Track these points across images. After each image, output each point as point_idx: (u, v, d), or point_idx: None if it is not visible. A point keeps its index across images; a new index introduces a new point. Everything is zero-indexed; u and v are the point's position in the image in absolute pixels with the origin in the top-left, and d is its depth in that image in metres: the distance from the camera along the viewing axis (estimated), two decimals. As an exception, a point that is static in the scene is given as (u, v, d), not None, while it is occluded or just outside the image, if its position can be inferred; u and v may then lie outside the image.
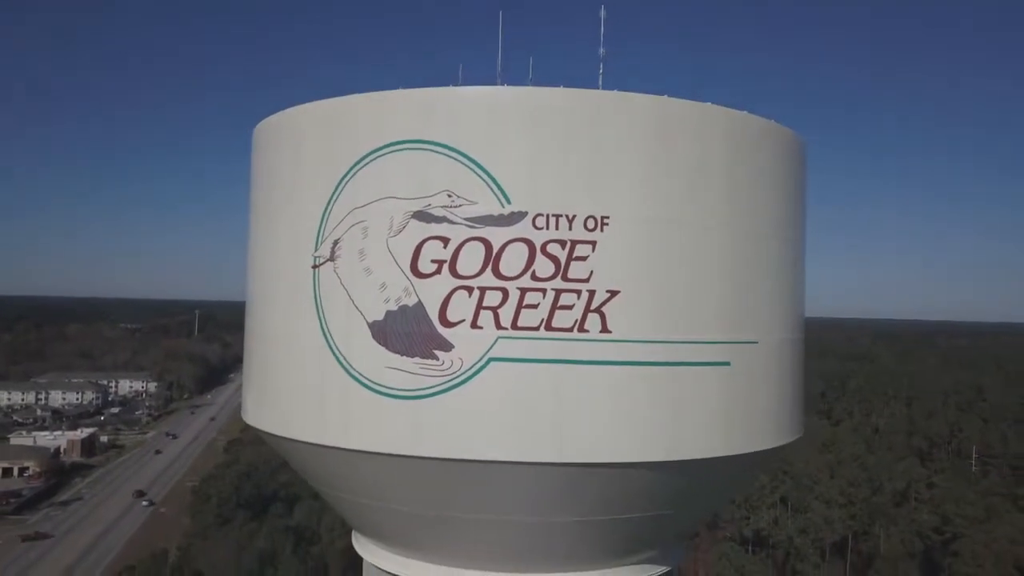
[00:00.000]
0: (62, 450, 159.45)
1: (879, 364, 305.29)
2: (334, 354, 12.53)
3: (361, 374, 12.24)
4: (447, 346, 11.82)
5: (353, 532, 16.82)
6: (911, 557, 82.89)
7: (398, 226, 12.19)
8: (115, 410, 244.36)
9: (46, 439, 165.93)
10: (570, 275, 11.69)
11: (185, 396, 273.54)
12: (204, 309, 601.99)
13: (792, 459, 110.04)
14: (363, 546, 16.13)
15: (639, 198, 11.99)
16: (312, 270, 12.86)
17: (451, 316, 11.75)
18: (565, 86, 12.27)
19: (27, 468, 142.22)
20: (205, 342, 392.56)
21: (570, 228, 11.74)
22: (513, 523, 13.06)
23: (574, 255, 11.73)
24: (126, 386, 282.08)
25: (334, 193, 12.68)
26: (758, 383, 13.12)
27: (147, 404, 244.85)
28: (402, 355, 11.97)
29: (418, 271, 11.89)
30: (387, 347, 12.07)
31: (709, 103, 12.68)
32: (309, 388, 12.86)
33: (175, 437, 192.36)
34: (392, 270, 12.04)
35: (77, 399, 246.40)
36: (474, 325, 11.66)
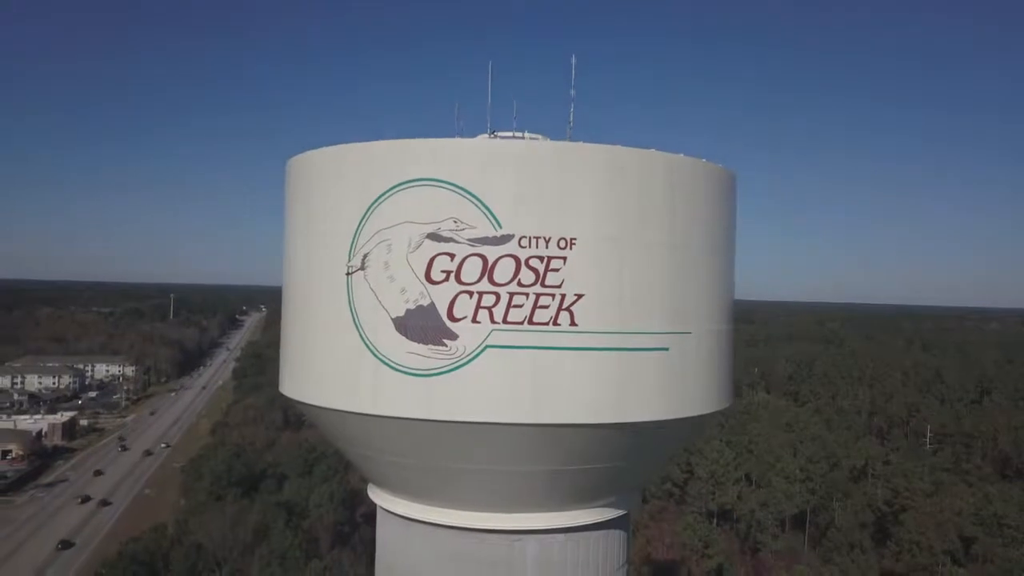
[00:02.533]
0: (43, 433, 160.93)
1: (846, 347, 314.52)
2: (364, 342, 16.21)
3: (387, 357, 15.95)
4: (453, 336, 15.57)
5: (369, 485, 20.56)
6: (863, 527, 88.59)
7: (415, 244, 15.88)
8: (92, 394, 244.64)
9: (27, 423, 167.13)
10: (547, 282, 15.46)
11: (162, 380, 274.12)
12: (177, 292, 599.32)
13: (757, 438, 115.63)
14: (378, 495, 19.90)
15: (598, 223, 15.78)
16: (346, 277, 16.50)
17: (456, 313, 15.48)
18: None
19: (10, 451, 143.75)
20: (181, 326, 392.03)
21: (546, 247, 15.50)
22: (501, 472, 16.93)
23: (549, 267, 15.49)
24: (102, 370, 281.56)
25: (364, 217, 16.32)
26: (690, 364, 17.04)
27: (125, 388, 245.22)
28: (418, 343, 15.70)
29: (430, 279, 15.60)
30: (407, 336, 15.79)
31: (652, 149, 16.52)
32: (344, 368, 16.54)
33: (124, 448, 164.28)
34: (410, 278, 15.73)
35: (53, 383, 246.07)
36: (474, 320, 15.40)
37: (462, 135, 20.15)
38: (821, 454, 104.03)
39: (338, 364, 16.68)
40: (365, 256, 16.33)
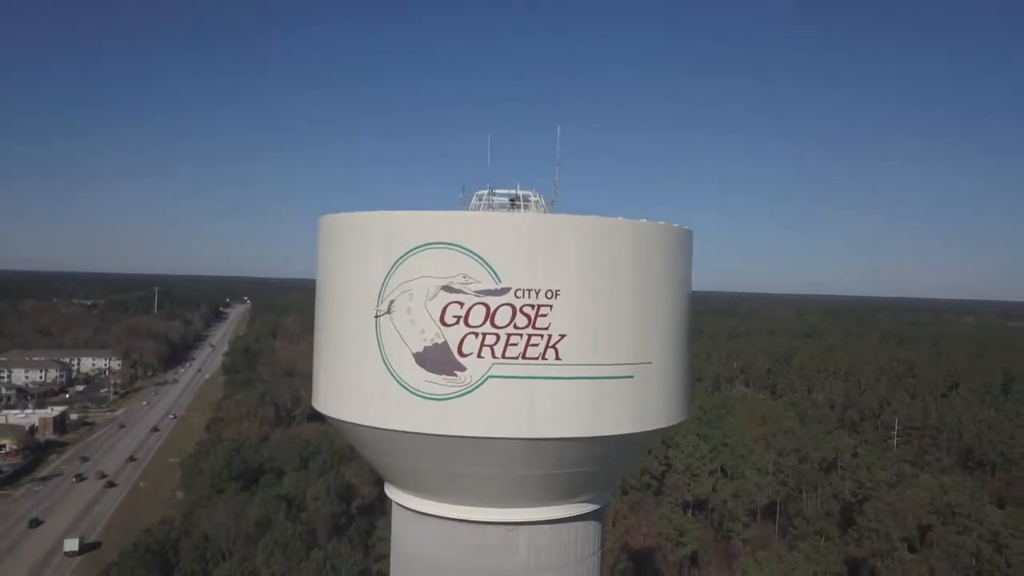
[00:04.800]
0: (35, 428, 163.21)
1: (823, 341, 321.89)
2: (390, 372, 20.23)
3: (408, 384, 19.98)
4: (462, 368, 19.63)
5: (385, 483, 24.63)
6: (828, 516, 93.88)
7: (432, 294, 19.90)
8: (79, 388, 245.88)
9: (18, 417, 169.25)
10: (537, 325, 19.53)
11: (149, 374, 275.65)
12: (159, 283, 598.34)
13: (732, 432, 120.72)
14: (393, 492, 23.99)
15: (577, 278, 19.84)
16: (375, 319, 20.51)
17: (465, 350, 19.53)
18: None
19: (3, 445, 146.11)
20: (166, 319, 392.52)
21: (537, 297, 19.56)
22: (500, 476, 21.08)
23: (539, 313, 19.56)
24: (88, 364, 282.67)
25: (390, 271, 20.29)
26: (651, 388, 21.20)
27: (112, 382, 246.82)
28: (434, 373, 19.73)
29: (444, 322, 19.62)
30: (425, 368, 19.83)
31: (620, 218, 20.62)
32: (374, 392, 20.54)
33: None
34: (428, 321, 19.75)
35: (41, 377, 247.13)
36: (479, 355, 19.45)
37: (465, 192, 24.60)
38: (792, 447, 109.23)
39: (369, 388, 20.67)
40: (391, 303, 20.33)
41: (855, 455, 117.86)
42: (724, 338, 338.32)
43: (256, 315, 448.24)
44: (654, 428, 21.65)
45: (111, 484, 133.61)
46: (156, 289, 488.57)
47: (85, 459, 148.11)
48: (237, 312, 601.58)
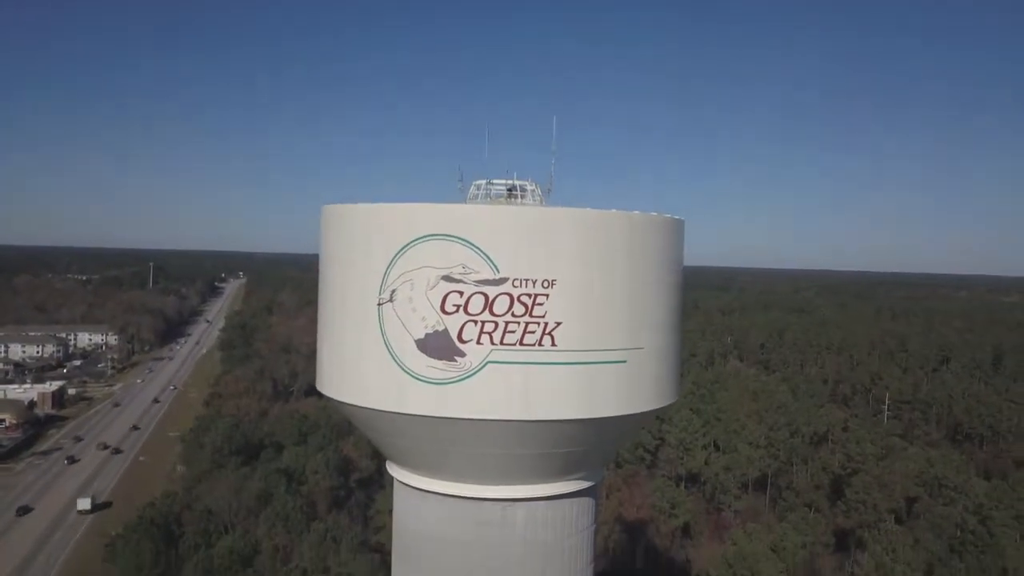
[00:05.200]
0: (34, 402, 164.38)
1: (817, 316, 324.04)
2: (393, 357, 21.12)
3: (410, 369, 20.87)
4: (462, 354, 20.51)
5: (387, 462, 25.65)
6: (818, 489, 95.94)
7: (432, 283, 20.72)
8: (77, 363, 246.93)
9: (17, 392, 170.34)
10: (533, 313, 20.39)
11: (145, 349, 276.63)
12: (153, 258, 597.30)
13: (725, 407, 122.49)
14: (395, 470, 25.02)
15: (572, 269, 20.65)
16: (377, 307, 21.34)
17: (464, 337, 20.40)
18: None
19: (3, 420, 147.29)
20: (161, 294, 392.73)
21: (533, 287, 20.39)
22: (497, 455, 22.07)
23: (536, 302, 20.42)
24: (85, 339, 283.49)
25: (392, 261, 21.07)
26: (643, 372, 22.14)
27: (109, 357, 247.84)
28: (435, 359, 20.61)
29: (444, 310, 20.46)
30: (426, 354, 20.70)
31: (614, 210, 21.42)
32: (378, 376, 21.44)
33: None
34: (429, 309, 20.59)
35: (37, 352, 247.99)
36: (478, 342, 20.32)
37: (463, 183, 25.42)
38: (783, 422, 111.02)
39: (372, 373, 21.56)
40: (393, 291, 21.16)
41: (845, 429, 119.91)
42: (718, 314, 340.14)
43: (252, 290, 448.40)
44: (645, 410, 22.67)
45: (117, 451, 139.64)
46: (151, 264, 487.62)
47: (79, 439, 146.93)
48: (232, 287, 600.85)
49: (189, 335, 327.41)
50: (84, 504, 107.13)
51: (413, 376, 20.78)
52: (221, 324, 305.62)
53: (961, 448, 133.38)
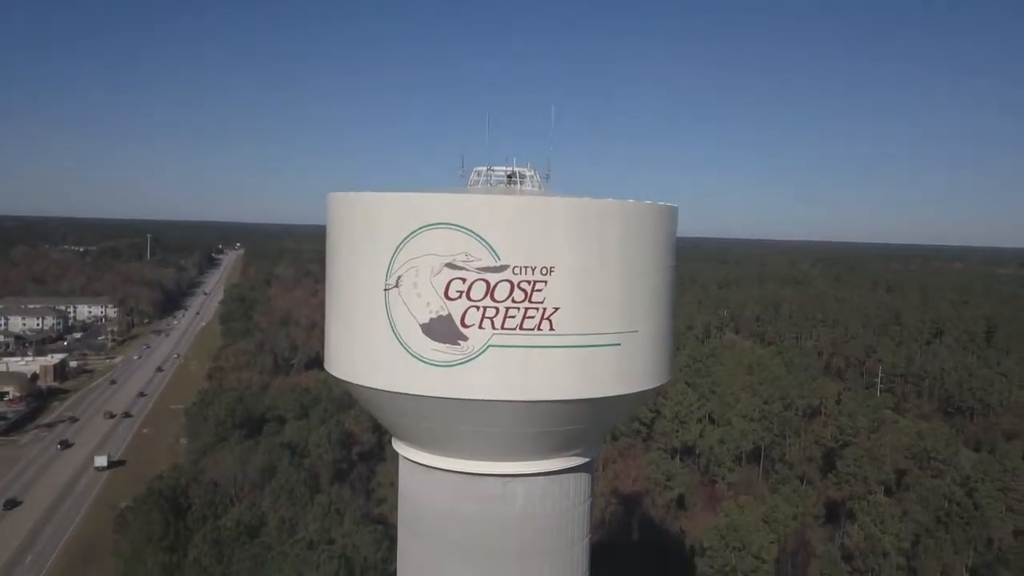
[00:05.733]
0: (36, 375, 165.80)
1: (813, 289, 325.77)
2: (399, 340, 22.10)
3: (416, 352, 21.85)
4: (465, 338, 21.49)
5: (393, 439, 26.79)
6: (810, 461, 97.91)
7: (436, 270, 21.63)
8: (77, 335, 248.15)
9: (19, 364, 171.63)
10: (533, 299, 21.34)
11: (145, 321, 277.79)
12: (150, 228, 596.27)
13: (720, 380, 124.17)
14: (401, 447, 26.15)
15: (570, 256, 21.55)
16: (384, 292, 22.28)
17: (467, 321, 21.36)
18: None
19: (7, 393, 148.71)
20: (159, 266, 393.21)
21: (533, 274, 21.30)
22: (499, 434, 23.16)
23: (535, 288, 21.35)
24: (84, 311, 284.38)
25: (398, 248, 21.95)
26: (637, 354, 23.15)
27: (109, 329, 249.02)
28: (439, 342, 21.59)
29: (448, 296, 21.40)
30: (431, 338, 21.68)
31: (609, 199, 22.29)
32: (383, 358, 22.44)
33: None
34: (433, 295, 21.52)
35: (37, 325, 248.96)
36: (480, 327, 21.28)
37: (463, 171, 26.31)
38: (777, 395, 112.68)
39: (379, 355, 22.55)
40: (399, 278, 22.07)
41: (839, 402, 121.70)
42: (715, 286, 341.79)
43: (249, 262, 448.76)
44: (639, 390, 23.72)
45: (127, 415, 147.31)
46: (148, 236, 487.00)
47: (74, 419, 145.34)
48: (230, 258, 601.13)
49: (188, 307, 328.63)
50: (101, 461, 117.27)
51: (419, 359, 21.76)
52: (220, 296, 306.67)
53: (952, 421, 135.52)
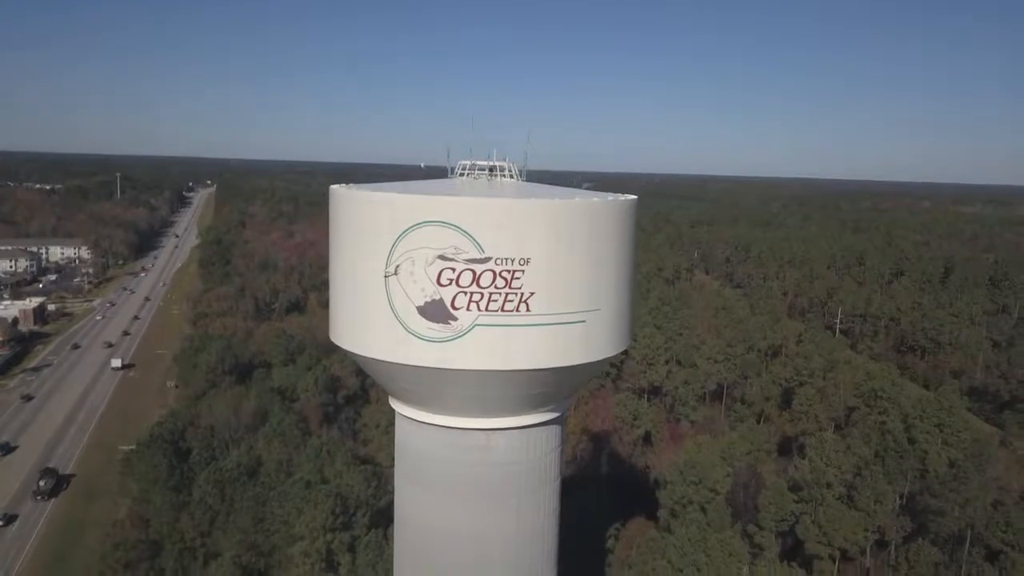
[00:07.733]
0: (16, 320, 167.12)
1: (783, 231, 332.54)
2: (398, 319, 26.08)
3: (413, 329, 25.87)
4: (455, 319, 25.51)
5: (390, 397, 31.04)
6: (768, 400, 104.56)
7: (430, 261, 25.47)
8: (52, 278, 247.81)
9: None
10: (512, 286, 25.34)
11: (120, 263, 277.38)
12: (118, 165, 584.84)
13: (688, 321, 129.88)
14: (397, 405, 30.48)
15: (543, 248, 25.44)
16: (384, 278, 26.14)
17: (457, 305, 25.34)
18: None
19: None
20: (131, 206, 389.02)
21: (512, 264, 25.23)
22: (483, 396, 27.52)
23: (514, 277, 25.32)
24: (57, 253, 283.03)
25: (396, 240, 25.70)
26: (600, 328, 27.37)
27: (84, 272, 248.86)
28: (433, 322, 25.60)
29: (440, 283, 25.32)
30: (426, 318, 25.67)
31: (577, 199, 26.15)
32: (386, 335, 26.43)
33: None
34: (427, 282, 25.44)
35: (11, 267, 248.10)
36: (467, 309, 25.28)
37: (451, 157, 30.12)
38: (741, 337, 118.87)
39: (382, 332, 26.52)
40: (397, 266, 25.92)
41: (799, 342, 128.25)
42: (687, 226, 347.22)
43: (222, 201, 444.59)
44: (601, 358, 28.14)
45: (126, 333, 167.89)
46: (118, 175, 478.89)
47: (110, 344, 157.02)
48: (201, 197, 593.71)
49: (162, 247, 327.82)
50: (116, 363, 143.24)
51: (415, 335, 25.80)
52: (194, 240, 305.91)
53: (904, 359, 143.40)
